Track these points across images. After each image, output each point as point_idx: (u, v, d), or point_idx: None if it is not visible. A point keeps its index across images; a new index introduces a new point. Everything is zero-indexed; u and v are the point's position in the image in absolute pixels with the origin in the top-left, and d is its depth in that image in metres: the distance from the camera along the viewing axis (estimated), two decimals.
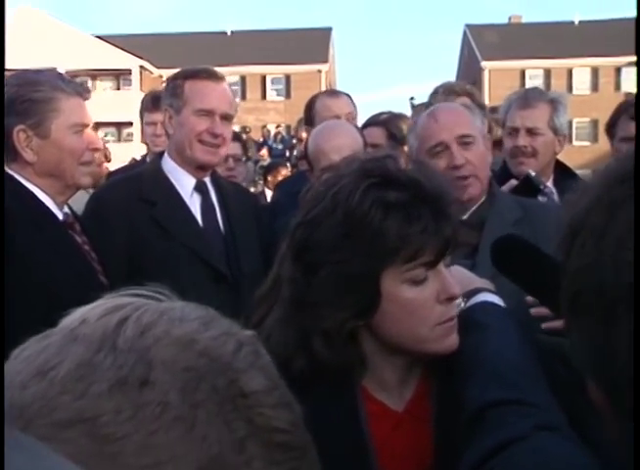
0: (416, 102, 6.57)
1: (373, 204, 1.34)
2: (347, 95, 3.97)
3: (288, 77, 45.12)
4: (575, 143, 39.38)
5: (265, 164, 12.65)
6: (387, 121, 3.97)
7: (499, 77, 42.42)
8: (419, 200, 1.36)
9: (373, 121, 4.04)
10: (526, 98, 3.52)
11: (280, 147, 20.92)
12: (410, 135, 2.47)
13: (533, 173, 3.09)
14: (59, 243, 2.36)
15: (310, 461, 0.73)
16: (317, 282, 1.36)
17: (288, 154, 18.31)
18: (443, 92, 3.84)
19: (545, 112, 3.52)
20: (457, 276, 1.48)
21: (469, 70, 47.61)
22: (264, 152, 17.61)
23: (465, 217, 2.32)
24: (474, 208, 2.36)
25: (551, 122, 3.53)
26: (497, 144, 3.67)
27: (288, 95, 44.75)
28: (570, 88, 41.06)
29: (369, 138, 3.27)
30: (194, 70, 2.91)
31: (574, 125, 41.01)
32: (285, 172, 8.73)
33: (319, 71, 44.85)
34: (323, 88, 36.44)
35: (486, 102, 4.20)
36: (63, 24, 40.47)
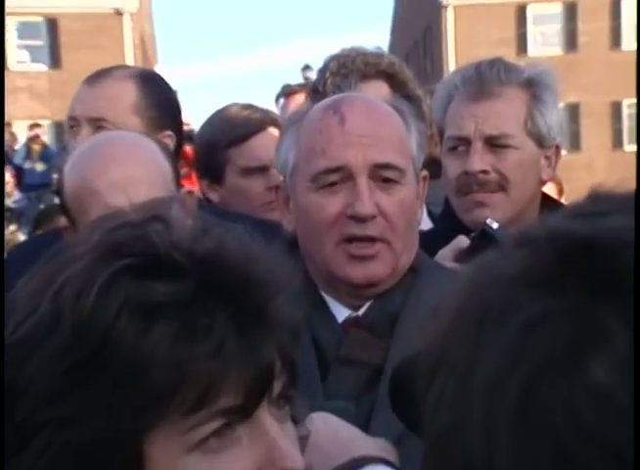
0: (312, 75, 5.33)
1: (122, 308, 1.06)
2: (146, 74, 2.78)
3: (52, 23, 26.48)
4: (629, 148, 28.35)
5: (15, 204, 8.13)
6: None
7: (475, 20, 27.64)
8: (211, 294, 1.08)
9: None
10: (481, 80, 2.39)
11: (41, 168, 12.81)
12: (287, 139, 1.92)
13: (495, 225, 2.17)
14: None
15: None
16: (30, 458, 1.08)
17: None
18: (339, 70, 2.78)
19: (518, 104, 2.39)
20: (324, 435, 1.27)
21: (416, 9, 33.22)
22: (8, 179, 10.81)
23: (360, 313, 1.87)
24: (378, 297, 1.88)
25: (530, 123, 2.39)
26: (434, 166, 2.49)
27: (55, 61, 26.71)
28: (617, 41, 28.71)
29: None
30: None
31: (624, 112, 28.92)
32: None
33: (118, 14, 27.24)
34: (128, 48, 26.30)
35: (449, 73, 3.26)
36: None
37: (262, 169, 2.97)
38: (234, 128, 2.98)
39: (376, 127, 1.87)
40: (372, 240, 1.85)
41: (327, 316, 1.87)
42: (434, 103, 2.56)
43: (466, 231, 2.32)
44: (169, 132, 2.67)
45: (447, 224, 2.51)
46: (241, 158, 3.06)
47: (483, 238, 2.18)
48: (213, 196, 2.99)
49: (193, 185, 3.60)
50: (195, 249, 1.11)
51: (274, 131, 2.95)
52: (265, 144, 2.89)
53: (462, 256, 2.21)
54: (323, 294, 1.88)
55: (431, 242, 2.14)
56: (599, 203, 0.74)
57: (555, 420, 0.64)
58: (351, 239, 1.84)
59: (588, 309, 0.65)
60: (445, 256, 2.21)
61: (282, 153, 1.96)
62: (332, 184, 1.85)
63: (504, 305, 0.68)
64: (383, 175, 1.86)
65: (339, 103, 1.91)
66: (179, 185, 2.15)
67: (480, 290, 0.71)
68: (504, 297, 0.68)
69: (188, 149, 3.99)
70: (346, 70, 2.80)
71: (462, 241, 2.26)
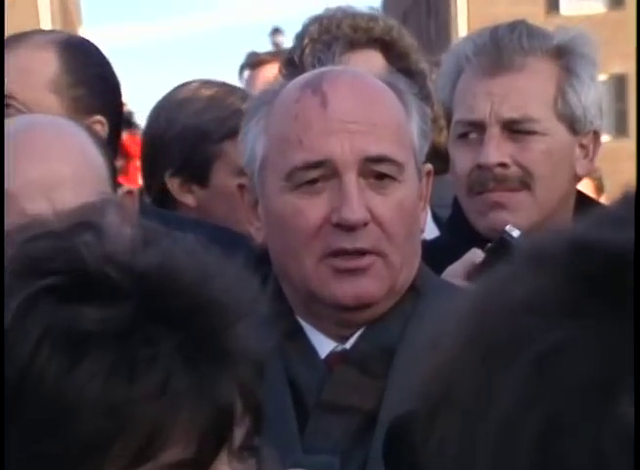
0: (284, 40, 5.37)
1: (43, 338, 1.06)
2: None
3: None
4: None
5: None
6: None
7: None
8: (154, 319, 1.08)
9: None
10: (498, 48, 2.36)
11: None
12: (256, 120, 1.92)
13: (516, 232, 2.18)
14: None
15: None
16: None
17: None
18: (320, 36, 2.74)
19: (545, 78, 2.40)
20: None
21: None
22: None
23: (347, 345, 1.84)
24: (370, 324, 1.86)
25: (561, 103, 2.37)
26: (440, 158, 2.51)
27: None
28: None
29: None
30: None
31: None
32: None
33: None
34: (44, 3, 25.86)
35: (458, 38, 2.69)
36: None
37: None
38: (231, 116, 2.87)
39: (367, 110, 1.84)
40: (363, 253, 1.80)
41: (305, 349, 1.82)
42: (440, 78, 2.51)
43: (480, 241, 2.27)
44: (99, 117, 2.56)
45: (457, 232, 2.48)
46: (239, 153, 2.99)
47: (502, 250, 2.13)
48: (188, 199, 2.88)
49: (131, 182, 3.53)
50: (134, 264, 1.11)
51: None
52: None
53: (476, 272, 2.16)
54: (300, 320, 1.83)
55: (436, 254, 2.12)
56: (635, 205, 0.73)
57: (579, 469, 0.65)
58: (338, 253, 1.79)
59: (616, 337, 0.66)
60: (455, 273, 2.17)
61: (247, 143, 1.90)
62: (312, 182, 1.80)
63: (516, 334, 0.69)
64: (376, 171, 1.82)
65: (319, 79, 1.87)
66: (116, 184, 2.10)
67: (489, 316, 0.72)
68: (517, 323, 0.69)
69: (126, 136, 3.90)
70: (330, 37, 2.72)
71: (476, 254, 2.22)
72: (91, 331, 1.09)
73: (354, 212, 1.78)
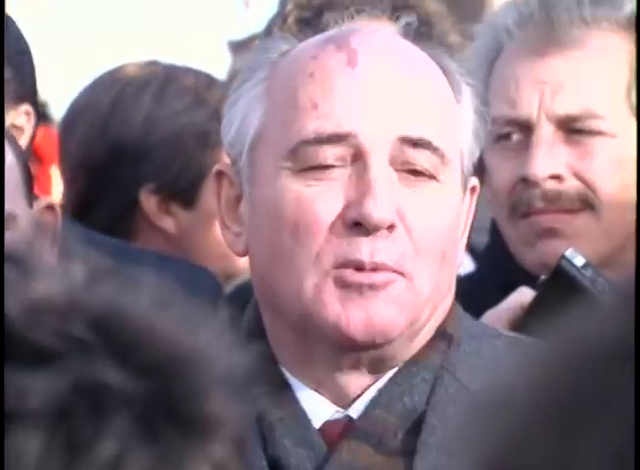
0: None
1: None
2: None
3: None
4: None
5: None
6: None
7: None
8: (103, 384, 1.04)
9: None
10: (550, 19, 2.22)
11: None
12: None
13: (579, 260, 2.04)
14: None
15: None
16: None
17: None
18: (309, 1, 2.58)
19: (613, 60, 2.26)
20: None
21: None
22: None
23: (352, 412, 1.67)
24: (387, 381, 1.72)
25: (637, 94, 2.22)
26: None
27: None
28: None
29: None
30: None
31: None
32: None
33: None
34: None
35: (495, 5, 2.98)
36: None
37: None
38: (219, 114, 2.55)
39: (407, 79, 1.68)
40: (382, 268, 1.63)
41: (294, 416, 1.64)
42: (472, 57, 2.32)
43: (527, 276, 2.16)
44: (27, 107, 2.36)
45: (495, 265, 2.35)
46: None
47: (560, 282, 2.03)
48: (167, 223, 2.59)
49: (42, 192, 3.29)
50: (75, 314, 1.04)
51: None
52: None
53: (525, 317, 2.05)
54: (286, 373, 1.61)
55: (472, 293, 2.00)
56: None
57: None
58: (349, 264, 1.61)
59: None
60: (498, 317, 2.06)
61: (236, 114, 1.71)
62: (325, 167, 1.61)
63: (611, 395, 0.69)
64: (411, 162, 1.63)
65: (346, 35, 1.71)
66: (32, 197, 2.01)
67: (574, 373, 0.72)
68: (610, 381, 0.69)
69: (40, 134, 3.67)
70: (322, 1, 2.53)
71: (524, 294, 2.07)
72: (11, 409, 1.00)
73: (379, 208, 1.59)
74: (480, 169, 2.15)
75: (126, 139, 2.69)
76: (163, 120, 2.72)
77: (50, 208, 2.05)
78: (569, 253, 2.01)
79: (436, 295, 1.70)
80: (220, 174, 1.72)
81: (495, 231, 2.34)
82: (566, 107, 2.20)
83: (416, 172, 1.66)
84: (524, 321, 2.09)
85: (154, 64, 2.90)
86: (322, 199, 1.65)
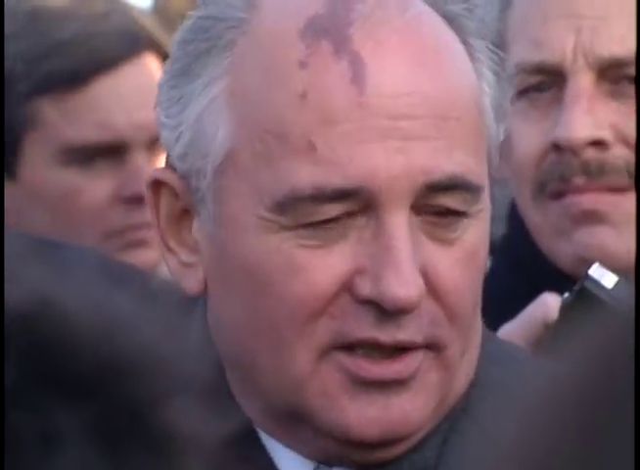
0: None
1: None
2: None
3: None
4: None
5: None
6: None
7: None
8: (38, 391, 0.94)
9: None
10: None
11: None
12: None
13: (609, 278, 1.69)
14: None
15: None
16: None
17: None
18: None
19: None
20: None
21: None
22: None
23: None
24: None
25: None
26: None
27: None
28: None
29: None
30: None
31: None
32: None
33: None
34: None
35: None
36: None
37: (114, 151, 2.30)
38: (64, 47, 2.29)
39: (434, 88, 1.37)
40: (408, 348, 1.38)
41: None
42: None
43: (557, 276, 1.90)
44: None
45: (515, 261, 2.06)
46: (65, 121, 2.33)
47: (584, 308, 1.70)
48: None
49: None
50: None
51: (153, 62, 2.23)
52: (129, 92, 2.26)
53: (548, 337, 1.79)
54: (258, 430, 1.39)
55: (485, 298, 1.61)
56: None
57: None
58: (360, 344, 1.37)
59: None
60: (514, 334, 1.81)
61: (183, 118, 1.39)
62: (325, 222, 1.34)
63: None
64: (441, 204, 1.38)
65: (343, 26, 1.37)
66: None
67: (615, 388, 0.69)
68: None
69: None
70: None
71: (548, 306, 1.80)
72: None
73: (405, 286, 1.34)
74: None
75: None
76: None
77: None
78: (594, 271, 1.69)
79: (469, 350, 1.44)
80: (158, 184, 1.40)
81: (515, 217, 2.03)
82: (610, 48, 1.91)
83: (442, 213, 1.39)
84: (547, 342, 1.81)
85: None
86: (322, 266, 1.35)
